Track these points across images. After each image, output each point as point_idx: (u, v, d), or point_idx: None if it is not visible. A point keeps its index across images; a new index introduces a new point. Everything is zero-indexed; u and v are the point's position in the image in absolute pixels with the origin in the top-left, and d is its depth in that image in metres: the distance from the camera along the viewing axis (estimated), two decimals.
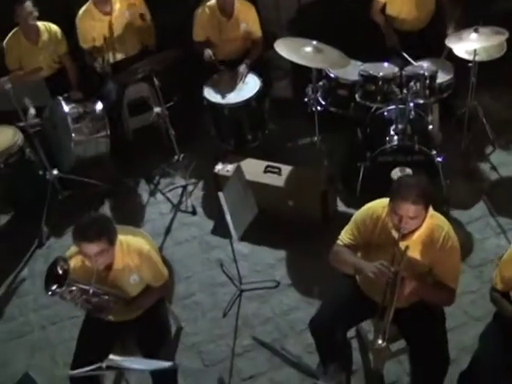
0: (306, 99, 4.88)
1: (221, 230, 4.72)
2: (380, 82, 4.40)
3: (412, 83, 4.30)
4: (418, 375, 3.45)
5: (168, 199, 5.19)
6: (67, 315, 4.46)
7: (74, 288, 3.29)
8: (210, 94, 4.95)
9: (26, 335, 4.47)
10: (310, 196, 4.55)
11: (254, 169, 4.65)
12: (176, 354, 3.99)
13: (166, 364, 3.25)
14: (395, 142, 4.40)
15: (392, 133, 4.45)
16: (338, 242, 3.37)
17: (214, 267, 4.65)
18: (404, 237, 3.10)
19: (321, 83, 4.85)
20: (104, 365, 3.07)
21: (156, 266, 3.55)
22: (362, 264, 3.16)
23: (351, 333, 4.02)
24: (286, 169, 4.70)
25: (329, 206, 4.63)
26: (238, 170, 3.90)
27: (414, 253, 3.15)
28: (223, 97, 4.91)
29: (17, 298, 4.71)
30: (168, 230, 4.93)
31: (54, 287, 3.23)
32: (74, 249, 3.44)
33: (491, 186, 4.89)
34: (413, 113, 4.52)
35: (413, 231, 3.12)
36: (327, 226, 4.56)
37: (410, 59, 4.55)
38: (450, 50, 4.57)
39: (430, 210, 3.15)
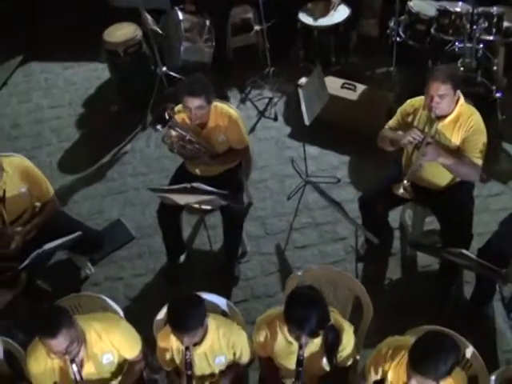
0: (388, 31, 5.53)
1: (297, 134, 5.49)
2: (453, 16, 5.00)
3: (481, 20, 4.87)
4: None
5: (255, 106, 5.96)
6: (159, 183, 5.29)
7: (173, 133, 4.10)
8: (304, 17, 5.68)
9: (121, 193, 5.37)
10: (378, 112, 5.17)
11: (332, 84, 5.33)
12: (244, 222, 4.73)
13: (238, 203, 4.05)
14: (460, 73, 4.97)
15: (459, 65, 5.02)
16: (385, 127, 4.06)
17: (285, 162, 5.38)
18: (438, 119, 3.71)
19: (403, 17, 5.48)
20: (189, 185, 3.87)
21: (241, 131, 4.29)
22: (399, 135, 3.84)
23: (395, 224, 4.70)
24: (361, 87, 5.38)
25: None
26: (318, 69, 4.61)
27: (445, 133, 3.77)
28: (315, 20, 5.63)
29: (118, 165, 5.62)
30: (252, 130, 5.69)
31: (158, 126, 4.04)
32: (179, 107, 4.23)
33: None
34: (480, 52, 5.05)
35: (445, 116, 3.73)
36: None
37: None
38: None
39: (461, 99, 3.76)
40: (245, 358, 3.35)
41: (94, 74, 6.66)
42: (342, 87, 5.37)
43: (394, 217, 4.62)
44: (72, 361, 3.02)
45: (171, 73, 5.84)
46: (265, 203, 5.09)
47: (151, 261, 4.80)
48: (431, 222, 4.40)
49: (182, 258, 4.69)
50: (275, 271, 4.60)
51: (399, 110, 4.04)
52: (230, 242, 4.54)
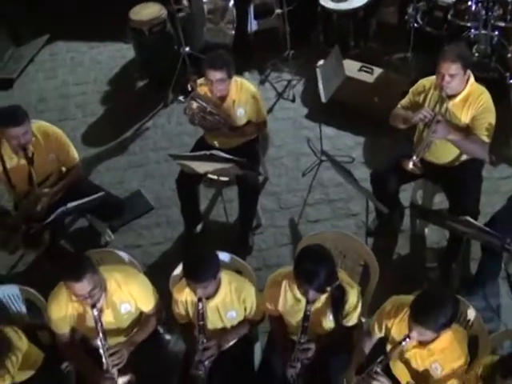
0: (406, 17, 5.67)
1: (314, 115, 5.65)
2: (469, 2, 5.13)
3: (497, 7, 5.00)
4: None
5: (274, 88, 6.12)
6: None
7: (195, 104, 4.27)
8: (324, 1, 5.84)
9: (142, 166, 5.58)
10: (394, 95, 5.27)
11: (350, 67, 5.49)
12: (259, 195, 4.87)
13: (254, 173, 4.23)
14: (474, 58, 5.11)
15: (473, 51, 5.16)
16: (398, 106, 4.20)
17: (302, 141, 5.54)
18: (448, 99, 3.86)
19: (421, 4, 5.61)
20: (208, 152, 4.05)
21: (259, 105, 4.45)
22: (411, 114, 3.98)
23: (406, 203, 4.83)
24: (378, 70, 5.53)
25: None
26: (336, 50, 4.77)
27: (456, 111, 3.91)
28: (335, 4, 5.78)
29: (140, 140, 5.82)
30: (270, 110, 5.83)
31: (181, 97, 4.24)
32: (202, 80, 4.41)
33: None
34: (495, 39, 5.19)
35: (455, 95, 3.87)
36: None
37: None
38: None
39: (472, 79, 3.90)
40: (255, 315, 3.52)
41: (118, 54, 6.86)
42: (360, 70, 5.52)
43: (405, 196, 4.75)
44: (93, 306, 3.21)
45: (194, 53, 6.01)
46: (280, 179, 5.26)
47: (169, 230, 4.99)
48: (441, 202, 4.55)
49: (199, 227, 4.86)
50: (288, 243, 4.77)
51: (411, 90, 4.19)
52: (246, 213, 4.70)
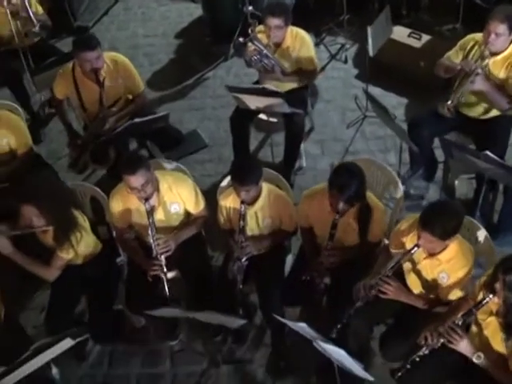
0: None
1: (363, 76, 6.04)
2: None
3: None
4: None
5: (328, 50, 6.52)
6: (234, 103, 5.94)
7: (252, 46, 4.73)
8: None
9: (200, 110, 6.13)
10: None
11: (400, 32, 5.87)
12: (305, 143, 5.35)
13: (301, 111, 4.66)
14: None
15: None
16: (444, 56, 4.56)
17: (349, 99, 5.95)
18: (491, 55, 4.22)
19: None
20: (261, 86, 4.50)
21: (311, 53, 4.88)
22: (454, 63, 4.35)
23: (441, 158, 5.18)
24: (426, 37, 5.87)
25: None
26: (387, 10, 5.16)
27: (495, 69, 4.27)
28: None
29: (200, 87, 6.36)
30: (322, 69, 6.22)
31: (241, 38, 4.71)
32: (260, 28, 4.86)
33: None
34: None
35: (497, 53, 4.23)
36: (446, 88, 5.68)
37: None
38: None
39: None
40: (288, 226, 3.97)
41: (186, 12, 7.42)
42: (409, 36, 5.87)
43: (439, 153, 5.09)
44: (146, 200, 3.71)
45: (256, 12, 6.45)
46: (325, 129, 5.69)
47: (220, 166, 5.48)
48: None
49: None
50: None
51: (459, 43, 4.57)
52: (290, 152, 5.12)
